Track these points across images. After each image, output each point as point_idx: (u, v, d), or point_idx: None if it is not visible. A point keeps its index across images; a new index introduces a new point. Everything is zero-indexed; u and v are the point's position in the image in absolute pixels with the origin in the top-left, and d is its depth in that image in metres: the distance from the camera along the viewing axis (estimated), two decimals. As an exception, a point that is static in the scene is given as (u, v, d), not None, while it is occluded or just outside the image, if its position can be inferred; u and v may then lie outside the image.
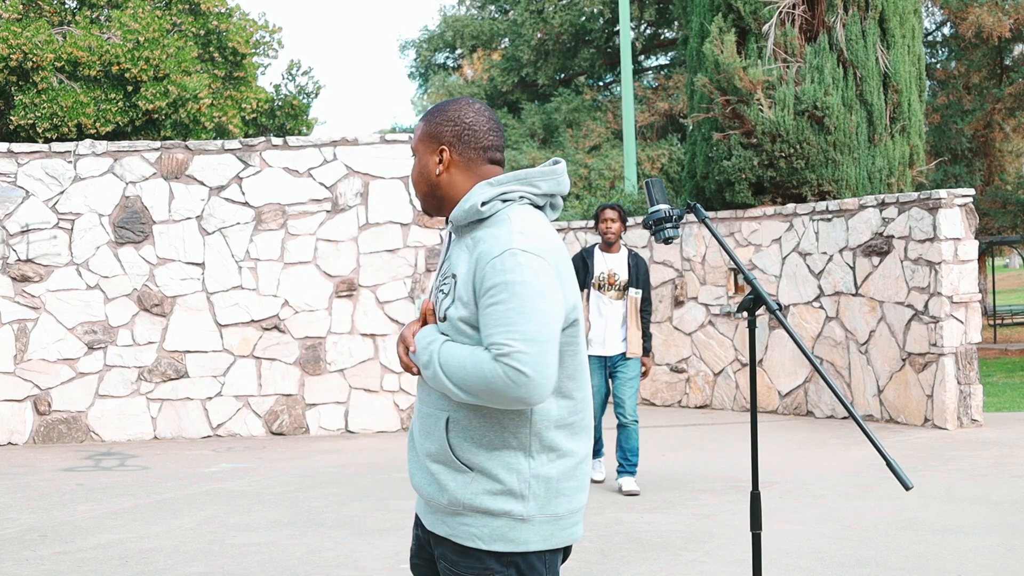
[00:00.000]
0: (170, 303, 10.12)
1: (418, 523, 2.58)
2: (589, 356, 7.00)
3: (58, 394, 9.99)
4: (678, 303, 12.13)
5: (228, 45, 17.69)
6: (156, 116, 16.42)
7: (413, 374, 2.43)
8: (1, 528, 6.44)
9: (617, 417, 7.23)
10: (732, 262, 3.78)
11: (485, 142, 2.44)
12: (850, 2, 12.56)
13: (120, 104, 16.17)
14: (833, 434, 9.67)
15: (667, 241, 3.35)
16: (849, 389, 10.59)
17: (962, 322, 9.65)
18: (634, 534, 6.03)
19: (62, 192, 10.10)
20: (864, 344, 10.39)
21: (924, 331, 9.74)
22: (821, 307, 10.87)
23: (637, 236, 12.07)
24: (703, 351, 11.95)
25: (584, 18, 26.86)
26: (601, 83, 29.35)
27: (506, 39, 28.95)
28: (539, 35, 26.71)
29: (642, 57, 29.24)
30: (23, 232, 10.03)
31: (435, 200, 2.48)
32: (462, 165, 2.44)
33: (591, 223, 13.03)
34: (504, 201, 2.39)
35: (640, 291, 7.27)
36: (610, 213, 7.29)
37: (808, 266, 11.00)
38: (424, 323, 2.45)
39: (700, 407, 11.98)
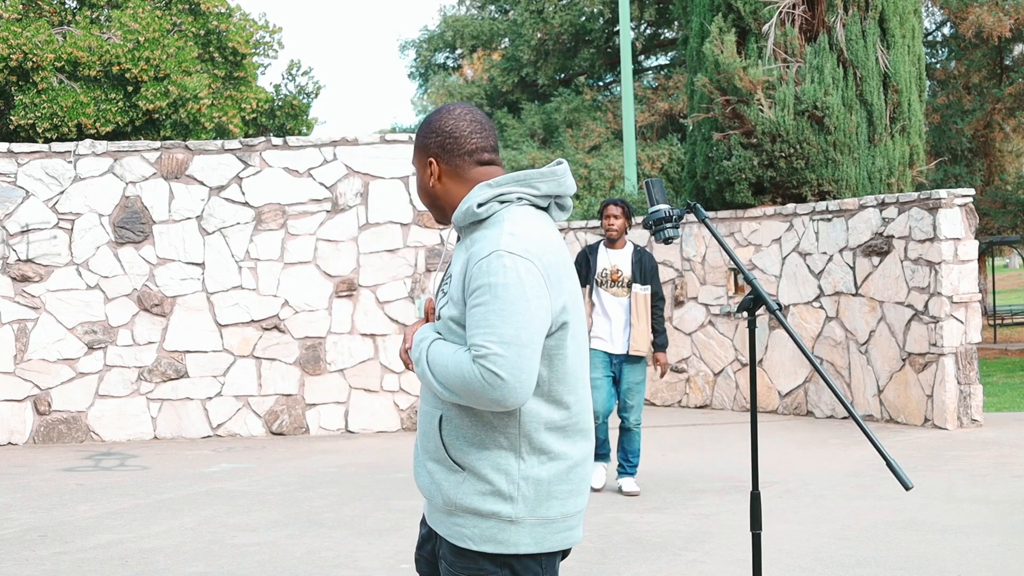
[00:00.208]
0: (170, 303, 10.12)
1: (424, 519, 2.59)
2: (594, 349, 7.00)
3: (58, 394, 9.99)
4: (678, 303, 12.13)
5: (228, 45, 17.69)
6: (156, 116, 16.42)
7: (411, 370, 2.46)
8: (1, 528, 6.44)
9: (621, 419, 7.14)
10: (732, 262, 3.78)
11: (469, 146, 2.47)
12: (850, 2, 12.56)
13: (120, 104, 16.17)
14: (833, 434, 9.67)
15: (667, 241, 3.35)
16: (849, 389, 10.59)
17: (962, 322, 9.66)
18: (634, 534, 6.03)
19: (62, 192, 10.10)
20: (864, 344, 10.39)
21: (924, 331, 9.74)
22: (821, 307, 10.87)
23: (637, 236, 12.07)
24: (703, 351, 11.95)
25: (584, 18, 26.86)
26: (601, 83, 29.35)
27: (506, 39, 28.96)
28: (539, 35, 26.71)
29: (642, 57, 29.24)
30: (23, 232, 10.03)
31: (438, 210, 2.54)
32: (451, 173, 2.48)
33: (591, 223, 13.04)
34: (502, 202, 2.40)
35: (647, 287, 7.12)
36: (613, 209, 7.16)
37: (808, 266, 11.00)
38: (427, 322, 2.49)
39: (700, 407, 11.98)
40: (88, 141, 10.23)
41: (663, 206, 3.34)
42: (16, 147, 10.13)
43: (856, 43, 12.42)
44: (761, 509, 3.27)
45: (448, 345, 2.33)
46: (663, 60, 29.89)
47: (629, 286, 7.11)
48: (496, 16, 30.19)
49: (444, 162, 2.48)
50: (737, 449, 8.91)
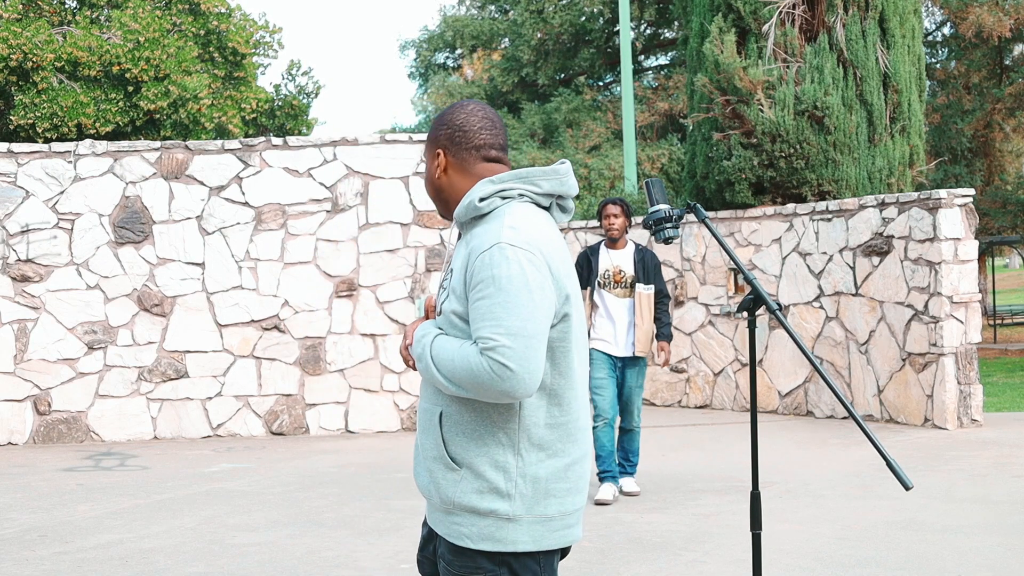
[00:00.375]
0: (170, 303, 10.12)
1: (426, 520, 2.60)
2: (597, 351, 6.92)
3: (58, 394, 9.99)
4: (678, 303, 12.13)
5: (228, 45, 17.69)
6: (156, 116, 16.42)
7: (412, 367, 2.46)
8: (1, 528, 6.44)
9: (622, 420, 7.06)
10: (732, 262, 3.78)
11: (477, 141, 2.48)
12: (850, 2, 12.56)
13: (120, 104, 16.17)
14: (833, 434, 9.67)
15: (667, 241, 3.36)
16: (849, 389, 10.59)
17: (962, 322, 9.65)
18: (634, 534, 6.03)
19: (62, 192, 10.10)
20: (864, 344, 10.39)
21: (924, 331, 9.74)
22: (821, 307, 10.87)
23: (637, 236, 12.07)
24: (703, 351, 11.95)
25: (584, 18, 26.86)
26: (601, 83, 29.35)
27: (506, 39, 28.96)
28: (539, 35, 26.71)
29: (642, 57, 29.24)
30: (23, 232, 10.03)
31: (442, 203, 2.55)
32: (457, 166, 2.49)
33: (592, 223, 13.04)
34: (504, 198, 2.42)
35: (650, 287, 7.00)
36: (612, 208, 7.02)
37: (808, 266, 11.00)
38: (427, 320, 2.51)
39: (700, 407, 11.98)
40: (88, 141, 10.23)
41: (663, 206, 3.34)
42: (16, 147, 10.13)
43: (856, 43, 12.42)
44: (761, 509, 3.27)
45: (452, 339, 2.34)
46: (663, 60, 29.89)
47: (632, 286, 6.99)
48: (496, 16, 30.19)
49: (451, 154, 2.49)
50: (737, 449, 8.91)
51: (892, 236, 10.08)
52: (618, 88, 26.92)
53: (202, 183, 10.22)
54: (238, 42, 17.65)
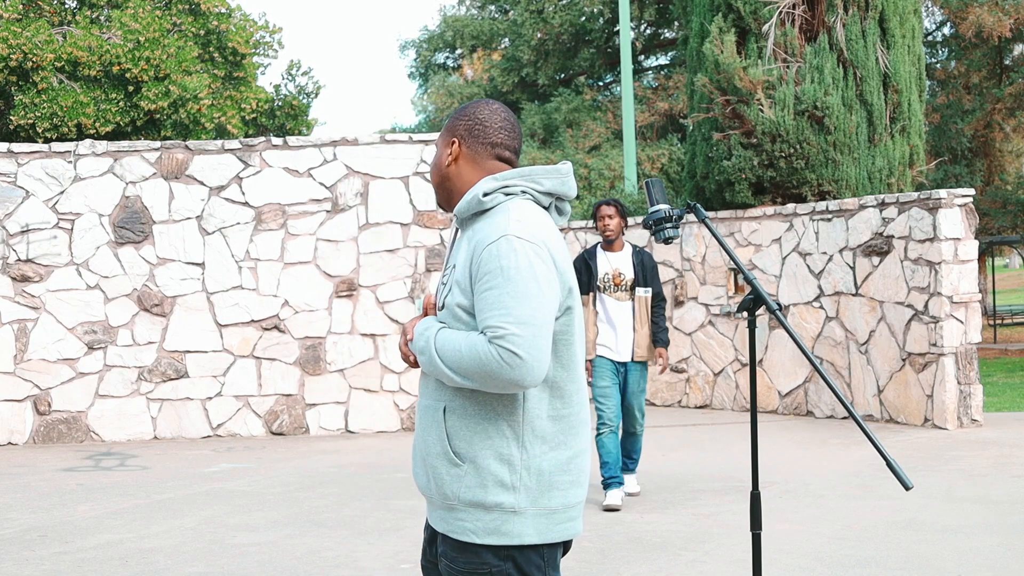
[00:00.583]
0: (170, 303, 10.12)
1: (427, 522, 2.61)
2: (601, 358, 6.80)
3: (58, 394, 9.99)
4: (678, 303, 12.13)
5: (228, 45, 17.69)
6: (156, 116, 16.42)
7: (410, 363, 2.48)
8: (1, 528, 6.44)
9: (626, 425, 6.95)
10: (732, 262, 3.78)
11: (494, 139, 2.52)
12: (850, 2, 12.56)
13: (120, 104, 16.17)
14: (833, 434, 9.67)
15: (667, 241, 3.36)
16: (849, 389, 10.59)
17: (962, 322, 9.65)
18: (634, 534, 6.03)
19: (62, 192, 10.10)
20: (864, 344, 10.39)
21: (924, 331, 9.74)
22: (821, 307, 10.87)
23: (637, 236, 12.07)
24: (703, 351, 11.95)
25: (584, 18, 26.86)
26: (601, 83, 29.35)
27: (506, 39, 28.95)
28: (539, 35, 26.71)
29: (642, 57, 29.24)
30: (23, 232, 10.03)
31: (445, 192, 2.57)
32: (470, 158, 2.53)
33: (591, 223, 13.04)
34: (507, 194, 2.45)
35: (648, 290, 6.87)
36: (607, 209, 6.86)
37: (808, 266, 11.00)
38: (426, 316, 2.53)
39: (700, 407, 11.98)
40: (88, 141, 10.23)
41: (663, 206, 3.34)
42: (16, 147, 10.13)
43: (856, 43, 12.42)
44: (761, 509, 3.27)
45: (457, 332, 2.36)
46: (663, 60, 29.89)
47: (631, 289, 6.86)
48: (496, 16, 30.19)
49: (467, 145, 2.53)
50: (737, 449, 8.91)
51: (892, 236, 10.08)
52: (618, 88, 26.92)
53: (202, 183, 10.22)
54: (238, 42, 17.65)
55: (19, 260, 10.01)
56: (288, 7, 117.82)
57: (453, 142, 2.53)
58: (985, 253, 24.97)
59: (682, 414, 11.59)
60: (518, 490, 2.35)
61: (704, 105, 12.97)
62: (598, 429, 6.77)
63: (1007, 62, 21.39)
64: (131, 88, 16.23)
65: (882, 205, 10.23)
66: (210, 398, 10.16)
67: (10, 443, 9.93)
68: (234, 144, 10.32)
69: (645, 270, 6.90)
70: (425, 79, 32.34)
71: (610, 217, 6.84)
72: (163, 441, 10.04)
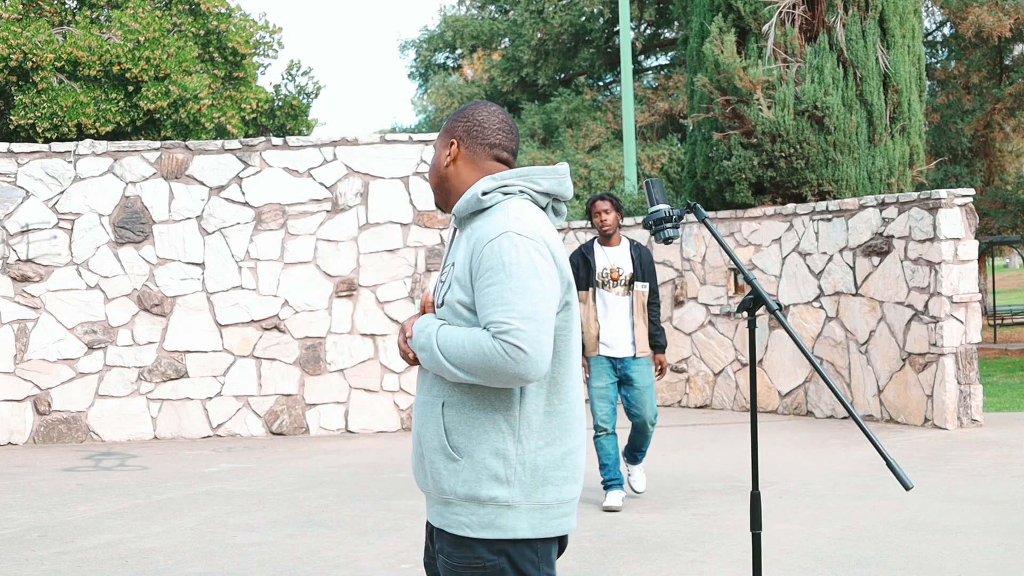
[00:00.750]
0: (170, 303, 10.12)
1: (428, 519, 2.64)
2: (598, 356, 6.68)
3: (58, 394, 9.99)
4: (678, 303, 12.13)
5: (228, 45, 17.69)
6: (156, 116, 16.42)
7: (409, 361, 2.50)
8: (1, 528, 6.44)
9: (634, 420, 6.76)
10: (732, 262, 3.78)
11: (492, 140, 2.56)
12: (850, 2, 12.56)
13: (120, 104, 16.17)
14: (833, 434, 9.67)
15: (667, 241, 3.36)
16: (849, 389, 10.59)
17: (962, 322, 9.65)
18: (634, 534, 6.03)
19: (62, 192, 10.10)
20: (864, 344, 10.39)
21: (924, 331, 9.74)
22: (821, 307, 10.87)
23: (637, 236, 12.07)
24: (703, 351, 11.95)
25: (584, 18, 26.86)
26: (601, 83, 29.35)
27: (506, 39, 28.95)
28: (539, 35, 26.71)
29: (642, 57, 29.24)
30: (23, 232, 10.03)
31: (443, 192, 2.60)
32: (468, 159, 2.56)
33: (591, 223, 13.02)
34: (505, 194, 2.48)
35: (646, 284, 6.74)
36: (602, 204, 6.73)
37: (808, 266, 11.00)
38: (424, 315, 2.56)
39: (700, 407, 11.98)
40: (88, 141, 10.23)
41: (663, 206, 3.34)
42: (16, 147, 10.13)
43: (856, 43, 12.42)
44: (761, 509, 3.27)
45: (458, 328, 2.39)
46: (663, 60, 29.89)
47: (631, 284, 6.73)
48: (496, 16, 30.19)
49: (465, 146, 2.56)
50: (737, 449, 8.91)
51: (892, 236, 10.08)
52: (618, 88, 26.91)
53: (202, 183, 10.22)
54: (238, 42, 17.65)
55: (19, 260, 10.02)
56: (288, 7, 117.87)
57: (452, 143, 2.56)
58: (985, 253, 24.98)
59: (682, 414, 11.59)
60: (512, 484, 2.37)
61: (704, 105, 12.97)
62: (595, 431, 6.73)
63: (1007, 62, 21.39)
64: (131, 88, 16.23)
65: (882, 205, 10.23)
66: (210, 398, 10.16)
67: (10, 443, 9.93)
68: (234, 144, 10.32)
69: (643, 264, 6.77)
70: (425, 79, 32.34)
71: (606, 212, 6.74)
72: (163, 441, 10.04)
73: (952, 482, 7.30)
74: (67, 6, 17.95)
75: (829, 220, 10.76)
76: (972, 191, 9.96)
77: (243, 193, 10.24)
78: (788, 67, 12.65)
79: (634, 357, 6.72)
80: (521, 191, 2.49)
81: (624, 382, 6.73)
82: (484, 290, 2.34)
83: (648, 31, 28.68)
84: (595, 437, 6.73)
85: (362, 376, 10.24)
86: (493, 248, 2.34)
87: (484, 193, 2.46)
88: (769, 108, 12.33)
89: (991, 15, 17.90)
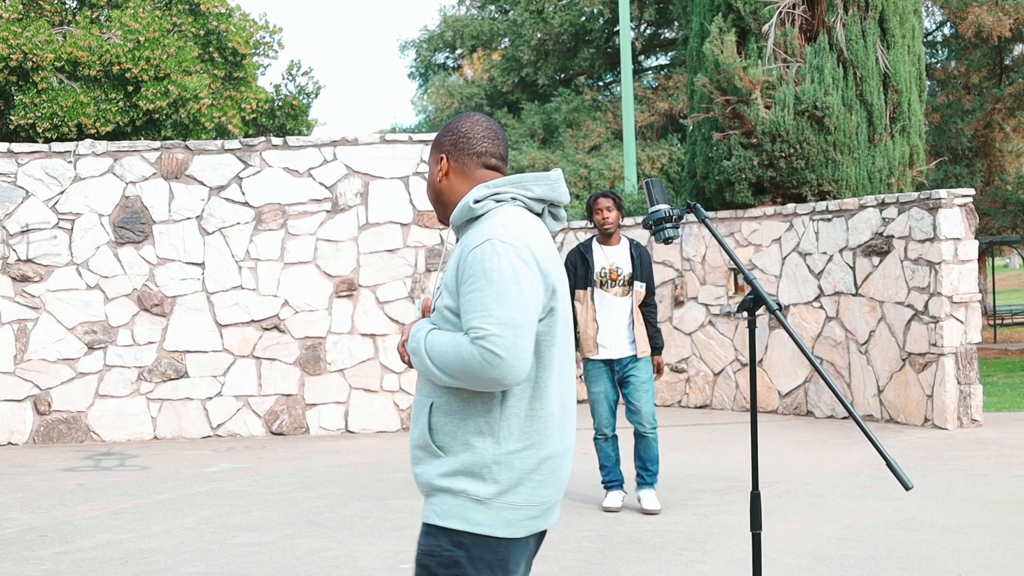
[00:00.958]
0: (170, 303, 10.12)
1: None
2: (595, 360, 6.58)
3: (58, 394, 9.99)
4: (678, 303, 12.13)
5: (228, 45, 17.69)
6: (156, 116, 16.42)
7: (407, 363, 2.58)
8: (1, 528, 6.44)
9: (634, 426, 6.58)
10: (732, 262, 3.78)
11: (479, 148, 2.62)
12: (850, 2, 12.56)
13: (120, 104, 16.16)
14: (833, 434, 9.67)
15: (667, 241, 3.36)
16: (849, 389, 10.59)
17: (962, 322, 9.65)
18: (634, 534, 6.03)
19: (62, 192, 10.10)
20: (864, 344, 10.39)
21: (924, 331, 9.74)
22: (821, 307, 10.87)
23: (637, 236, 12.07)
24: (703, 351, 11.95)
25: (584, 18, 26.85)
26: (601, 83, 29.34)
27: (506, 39, 28.94)
28: (539, 35, 26.70)
29: (642, 57, 29.23)
30: (23, 232, 10.03)
31: (441, 207, 2.69)
32: (459, 171, 2.62)
33: (591, 223, 13.01)
34: (498, 201, 2.53)
35: (644, 284, 6.61)
36: (604, 201, 6.59)
37: (808, 266, 11.00)
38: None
39: (700, 407, 11.98)
40: (88, 141, 10.23)
41: (663, 206, 3.35)
42: (16, 147, 10.13)
43: (856, 43, 12.42)
44: (761, 509, 3.28)
45: (445, 332, 2.45)
46: (663, 60, 29.88)
47: (630, 284, 6.61)
48: (496, 16, 30.18)
49: (454, 159, 2.62)
50: (737, 449, 8.91)
51: (892, 236, 10.08)
52: (618, 88, 26.91)
53: (202, 183, 10.22)
54: (238, 42, 17.65)
55: (19, 260, 10.01)
56: (288, 7, 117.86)
57: (441, 158, 2.63)
58: (985, 253, 24.98)
59: (682, 414, 11.59)
60: (487, 481, 2.43)
61: (704, 105, 12.97)
62: (595, 434, 6.73)
63: (1007, 62, 21.39)
64: (131, 88, 16.23)
65: (882, 205, 10.23)
66: (210, 398, 10.16)
67: (10, 443, 9.93)
68: (234, 144, 10.32)
69: (643, 264, 6.66)
70: (425, 79, 32.33)
71: (608, 209, 6.60)
72: (163, 441, 10.04)
73: (952, 482, 7.30)
74: (67, 6, 17.95)
75: (829, 220, 10.76)
76: (972, 191, 9.96)
77: (243, 193, 10.24)
78: (788, 67, 12.65)
79: (634, 358, 6.59)
80: (513, 198, 2.54)
81: (623, 383, 6.63)
82: (466, 296, 2.39)
83: (648, 31, 28.67)
84: (595, 439, 6.73)
85: (362, 376, 10.24)
86: (476, 255, 2.39)
87: (476, 201, 2.51)
88: (769, 108, 12.33)
89: (991, 15, 17.90)
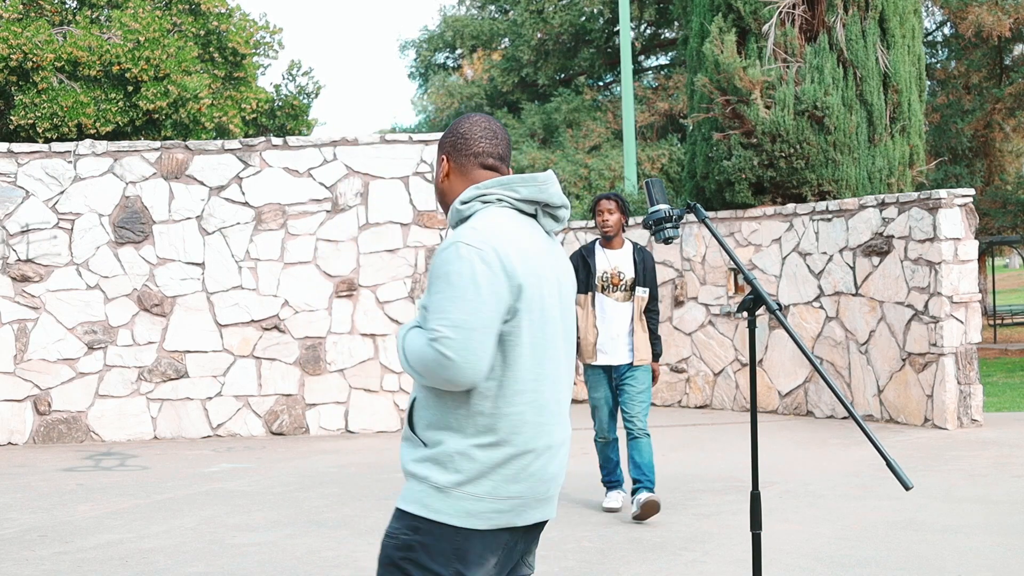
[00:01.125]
0: (170, 303, 10.12)
1: None
2: (594, 366, 6.50)
3: (58, 394, 9.99)
4: (678, 303, 12.13)
5: (228, 45, 17.68)
6: (156, 116, 16.42)
7: None
8: (1, 528, 6.44)
9: (626, 430, 6.45)
10: (732, 262, 3.78)
11: (476, 149, 2.66)
12: (850, 2, 12.56)
13: (120, 104, 16.16)
14: (833, 434, 9.67)
15: (667, 241, 3.36)
16: (849, 389, 10.59)
17: (962, 322, 9.65)
18: (634, 534, 6.04)
19: (62, 192, 10.10)
20: (864, 344, 10.39)
21: (924, 331, 9.74)
22: (821, 307, 10.87)
23: (637, 236, 12.07)
24: (703, 351, 11.95)
25: (584, 18, 26.85)
26: (601, 83, 29.34)
27: (506, 39, 28.94)
28: (539, 35, 26.70)
29: (642, 57, 29.24)
30: (23, 232, 10.03)
31: (445, 207, 2.75)
32: (458, 171, 2.67)
33: (591, 223, 13.03)
34: (485, 203, 2.58)
35: (647, 289, 6.48)
36: (607, 204, 6.45)
37: (808, 266, 11.00)
38: None
39: (700, 407, 11.98)
40: (88, 141, 10.23)
41: (663, 206, 3.35)
42: (16, 147, 10.13)
43: (856, 43, 12.42)
44: (761, 509, 3.28)
45: (419, 331, 2.51)
46: (663, 60, 29.88)
47: (631, 289, 6.48)
48: (496, 16, 30.18)
49: (454, 160, 2.68)
50: (737, 449, 8.91)
51: (892, 236, 10.08)
52: (618, 88, 26.91)
53: (202, 183, 10.22)
54: (238, 42, 17.65)
55: (19, 260, 10.02)
56: (288, 7, 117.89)
57: (443, 159, 2.69)
58: (985, 253, 24.98)
59: (682, 414, 11.59)
60: (448, 470, 2.47)
61: (704, 105, 12.97)
62: (595, 436, 6.72)
63: (1007, 62, 21.40)
64: (131, 88, 16.23)
65: (882, 205, 10.23)
66: (210, 398, 10.16)
67: (10, 443, 9.93)
68: (234, 144, 10.32)
69: (647, 269, 6.51)
70: (425, 79, 32.33)
71: (610, 212, 6.46)
72: (163, 441, 10.04)
73: (952, 482, 7.30)
74: (67, 6, 17.95)
75: (829, 220, 10.76)
76: (972, 191, 9.96)
77: (243, 193, 10.24)
78: (788, 67, 12.65)
79: (631, 365, 6.47)
80: (499, 199, 2.57)
81: (619, 390, 6.53)
82: (430, 298, 2.47)
83: (648, 31, 28.67)
84: (595, 440, 6.72)
85: (362, 376, 10.24)
86: (441, 257, 2.46)
87: (463, 202, 2.57)
88: (769, 108, 12.33)
89: (991, 15, 17.90)
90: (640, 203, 15.09)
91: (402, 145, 10.40)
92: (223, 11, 17.76)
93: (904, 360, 9.96)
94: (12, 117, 15.82)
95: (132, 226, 10.14)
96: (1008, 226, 22.04)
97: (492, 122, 2.69)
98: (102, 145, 10.21)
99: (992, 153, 22.58)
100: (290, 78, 20.19)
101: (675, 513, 6.55)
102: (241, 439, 10.06)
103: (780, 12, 12.60)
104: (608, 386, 6.55)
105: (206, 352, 10.15)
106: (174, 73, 16.06)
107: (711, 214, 11.90)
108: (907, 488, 2.87)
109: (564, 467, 2.65)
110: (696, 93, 13.23)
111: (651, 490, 6.38)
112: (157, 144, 10.30)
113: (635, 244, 6.62)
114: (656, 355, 6.60)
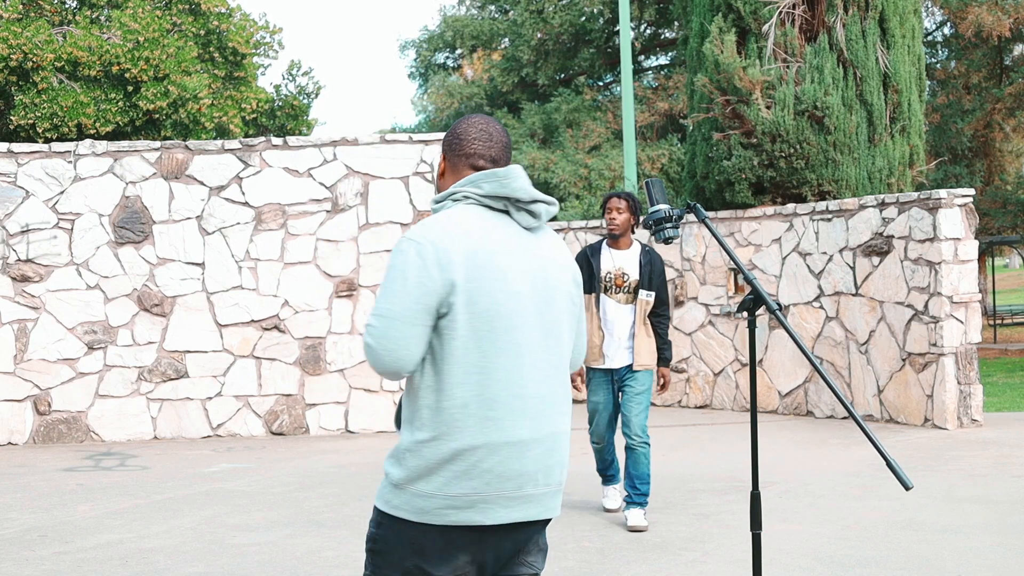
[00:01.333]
0: (170, 303, 10.12)
1: None
2: (594, 370, 6.36)
3: (58, 394, 9.99)
4: (678, 303, 12.13)
5: (228, 45, 17.68)
6: (156, 116, 16.42)
7: None
8: (1, 528, 6.44)
9: (624, 437, 6.26)
10: (732, 262, 3.78)
11: (468, 150, 2.69)
12: (850, 2, 12.56)
13: (120, 104, 16.16)
14: (833, 434, 9.67)
15: (667, 241, 3.37)
16: (849, 389, 10.59)
17: (962, 322, 9.65)
18: (634, 534, 6.03)
19: (62, 192, 10.10)
20: (864, 344, 10.39)
21: (924, 331, 9.74)
22: (821, 307, 10.87)
23: (637, 236, 12.07)
24: (703, 351, 11.95)
25: (584, 18, 26.85)
26: (601, 83, 29.33)
27: (506, 39, 28.94)
28: (539, 35, 26.69)
29: (642, 57, 29.23)
30: (23, 232, 10.03)
31: None
32: (451, 171, 2.72)
33: (592, 223, 13.03)
34: (455, 200, 2.63)
35: (652, 293, 6.26)
36: (616, 202, 6.23)
37: (808, 266, 11.00)
38: None
39: (700, 407, 11.98)
40: (88, 141, 10.23)
41: (663, 206, 3.35)
42: (16, 147, 10.13)
43: (856, 43, 12.42)
44: (761, 509, 3.28)
45: None
46: (663, 60, 29.88)
47: (635, 292, 6.28)
48: (496, 16, 30.17)
49: (448, 160, 2.73)
50: (737, 449, 8.91)
51: (892, 236, 10.08)
52: (618, 88, 26.91)
53: (202, 183, 10.22)
54: (238, 42, 17.64)
55: (19, 260, 10.02)
56: (288, 7, 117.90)
57: (441, 159, 2.75)
58: (985, 253, 24.99)
59: (682, 414, 11.59)
60: (401, 467, 2.51)
61: (704, 105, 12.97)
62: (591, 438, 6.63)
63: (1007, 62, 21.40)
64: (131, 88, 16.23)
65: (882, 205, 10.23)
66: (210, 398, 10.16)
67: (10, 443, 9.93)
68: (234, 144, 10.32)
69: (653, 272, 6.29)
70: (425, 79, 32.33)
71: (618, 211, 6.24)
72: (163, 441, 10.04)
73: (952, 482, 7.30)
74: (67, 6, 17.95)
75: (829, 220, 10.76)
76: (972, 191, 9.96)
77: (243, 193, 10.24)
78: (788, 67, 12.65)
79: (630, 367, 6.29)
80: (465, 196, 2.60)
81: (620, 391, 6.39)
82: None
83: (648, 31, 28.66)
84: (592, 443, 6.67)
85: (362, 376, 10.24)
86: (392, 252, 2.54)
87: (437, 201, 2.64)
88: (769, 108, 12.33)
89: (991, 15, 17.90)
90: (641, 203, 15.10)
91: (402, 145, 10.40)
92: (223, 11, 17.76)
93: (904, 360, 9.96)
94: (12, 117, 15.82)
95: (132, 226, 10.14)
96: (1008, 226, 22.04)
97: (491, 124, 2.69)
98: (102, 145, 10.21)
99: (992, 153, 22.58)
100: (290, 78, 20.19)
101: (675, 513, 6.55)
102: (241, 439, 10.06)
103: (780, 12, 12.60)
104: (609, 390, 6.38)
105: (206, 352, 10.15)
106: (174, 73, 16.06)
107: (711, 214, 11.90)
108: (907, 488, 2.87)
109: (548, 465, 2.56)
110: (696, 93, 13.23)
111: (643, 506, 6.20)
112: (157, 144, 10.30)
113: (644, 246, 6.40)
114: (666, 360, 6.37)
